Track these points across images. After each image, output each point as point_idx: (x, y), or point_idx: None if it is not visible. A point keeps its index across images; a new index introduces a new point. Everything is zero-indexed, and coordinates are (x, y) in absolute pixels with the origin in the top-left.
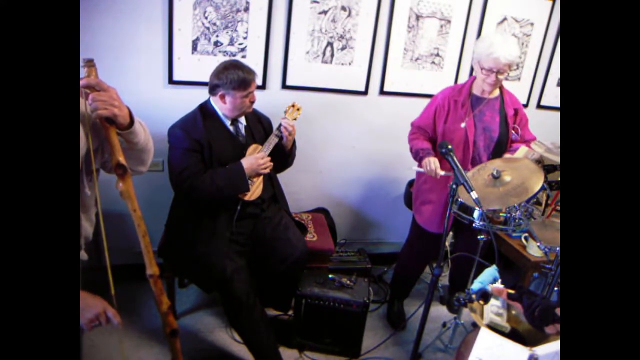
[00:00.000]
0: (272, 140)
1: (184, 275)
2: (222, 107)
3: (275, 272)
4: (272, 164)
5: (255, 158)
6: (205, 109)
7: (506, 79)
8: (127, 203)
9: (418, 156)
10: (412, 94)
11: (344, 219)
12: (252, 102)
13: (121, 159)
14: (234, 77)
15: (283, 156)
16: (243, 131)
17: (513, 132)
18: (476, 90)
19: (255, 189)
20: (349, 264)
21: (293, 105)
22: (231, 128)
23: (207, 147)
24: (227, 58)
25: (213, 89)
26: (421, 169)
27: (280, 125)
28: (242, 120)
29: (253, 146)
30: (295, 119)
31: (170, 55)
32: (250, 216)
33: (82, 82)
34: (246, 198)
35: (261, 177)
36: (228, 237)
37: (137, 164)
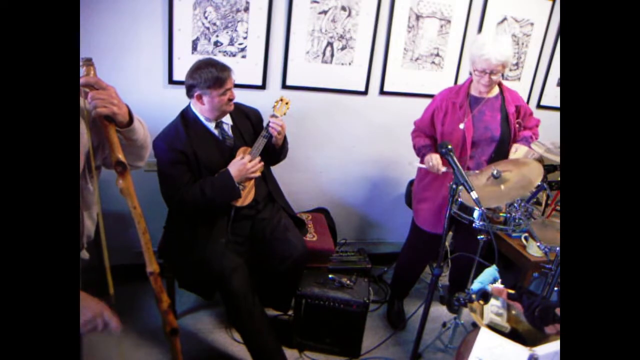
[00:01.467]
0: (261, 142)
1: (183, 281)
2: (201, 109)
3: (275, 273)
4: (262, 165)
5: (243, 164)
6: (186, 116)
7: (506, 78)
8: (127, 200)
9: (420, 153)
10: (412, 94)
11: (344, 219)
12: (231, 100)
13: (121, 157)
14: (207, 75)
15: (274, 153)
16: (230, 132)
17: (517, 125)
18: (474, 91)
19: (248, 194)
20: (349, 264)
21: (281, 99)
22: (216, 132)
23: (193, 157)
24: (227, 58)
25: (189, 90)
26: (423, 166)
27: (268, 124)
28: (227, 120)
29: (242, 149)
30: (284, 114)
31: (170, 55)
32: (246, 218)
33: (81, 81)
34: (239, 204)
35: (253, 180)
36: (225, 241)
37: (135, 160)
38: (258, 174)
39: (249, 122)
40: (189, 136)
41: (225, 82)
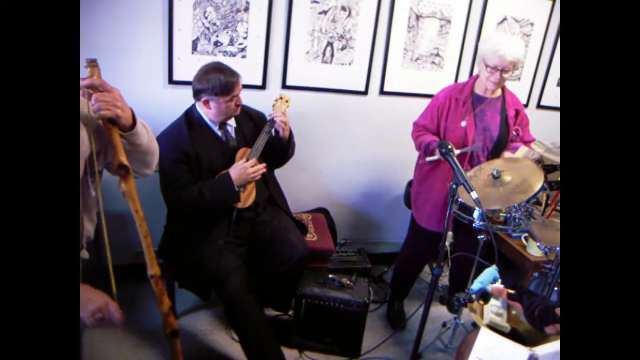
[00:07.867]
0: (262, 141)
1: (181, 279)
2: (207, 112)
3: (276, 274)
4: (264, 167)
5: (244, 167)
6: (190, 116)
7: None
8: (130, 204)
9: (429, 149)
10: (412, 94)
11: (344, 219)
12: (239, 105)
13: (123, 160)
14: (215, 82)
15: (281, 149)
16: (233, 134)
17: (514, 132)
18: (478, 90)
19: (249, 196)
20: (349, 264)
21: (281, 97)
22: (219, 133)
23: (195, 157)
24: (227, 58)
25: (196, 94)
26: (435, 158)
27: (270, 122)
28: (232, 122)
29: (242, 150)
30: (284, 112)
31: (170, 55)
32: (246, 220)
33: (85, 82)
34: (239, 206)
35: (254, 183)
36: (223, 243)
37: (141, 167)
38: (259, 176)
39: (252, 123)
40: (192, 137)
41: (233, 89)
